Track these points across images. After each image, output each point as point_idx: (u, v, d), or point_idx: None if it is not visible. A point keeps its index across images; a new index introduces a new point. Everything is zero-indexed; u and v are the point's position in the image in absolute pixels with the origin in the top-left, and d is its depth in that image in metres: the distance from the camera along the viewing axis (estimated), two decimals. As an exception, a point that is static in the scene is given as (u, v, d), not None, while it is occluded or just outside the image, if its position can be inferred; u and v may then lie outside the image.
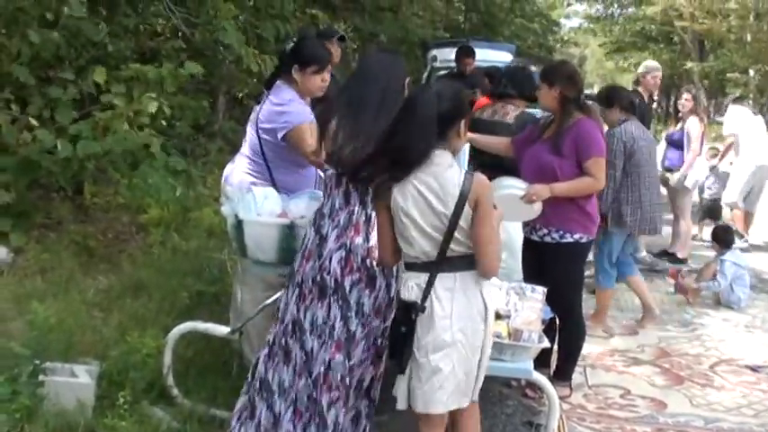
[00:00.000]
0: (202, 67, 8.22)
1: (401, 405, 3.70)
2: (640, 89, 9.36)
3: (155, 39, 10.22)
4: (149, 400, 4.49)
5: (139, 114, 7.01)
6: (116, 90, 7.11)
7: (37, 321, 4.75)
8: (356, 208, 3.67)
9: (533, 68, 12.41)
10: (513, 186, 4.97)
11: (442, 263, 3.59)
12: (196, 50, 10.14)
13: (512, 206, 4.73)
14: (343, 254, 3.64)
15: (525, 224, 5.28)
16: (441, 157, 3.59)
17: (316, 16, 12.83)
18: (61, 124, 6.85)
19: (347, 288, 3.63)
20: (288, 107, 4.89)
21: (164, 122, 8.01)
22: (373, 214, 3.64)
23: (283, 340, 3.78)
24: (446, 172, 3.57)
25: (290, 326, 3.76)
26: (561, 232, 5.23)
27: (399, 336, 3.63)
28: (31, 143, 6.66)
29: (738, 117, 11.02)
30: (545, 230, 5.25)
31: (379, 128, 3.62)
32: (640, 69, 9.88)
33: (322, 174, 5.15)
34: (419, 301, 3.57)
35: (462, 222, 3.55)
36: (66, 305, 5.51)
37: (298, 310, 3.73)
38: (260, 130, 4.97)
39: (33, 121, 6.83)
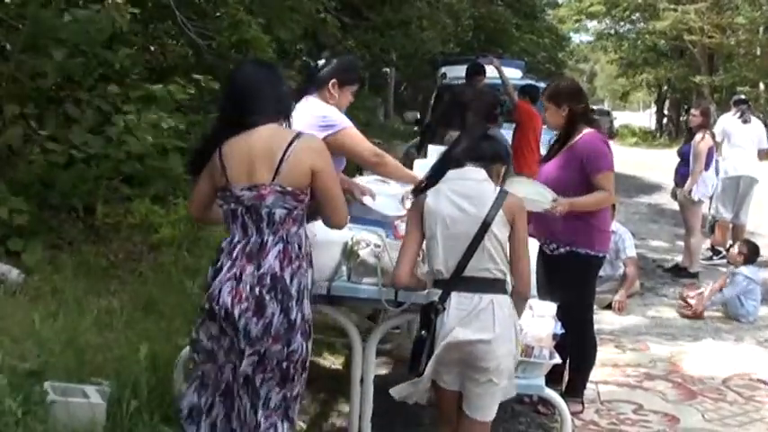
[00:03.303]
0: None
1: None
2: None
3: (165, 58, 10.27)
4: (160, 419, 4.49)
5: (154, 129, 7.09)
6: (127, 109, 7.17)
7: (49, 341, 4.76)
8: (253, 238, 3.60)
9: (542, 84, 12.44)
10: (541, 195, 5.04)
11: (459, 279, 3.64)
12: (206, 69, 10.19)
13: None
14: (234, 284, 3.55)
15: (540, 237, 5.30)
16: (476, 173, 3.73)
17: (325, 20, 12.90)
18: (74, 143, 6.90)
19: (236, 316, 3.54)
20: (331, 113, 4.99)
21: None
22: (270, 241, 3.55)
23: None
24: (481, 184, 3.71)
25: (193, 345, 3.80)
26: (568, 248, 5.28)
27: (419, 340, 3.71)
28: (43, 160, 6.71)
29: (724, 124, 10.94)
30: (554, 245, 5.30)
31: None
32: None
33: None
34: (436, 301, 3.64)
35: (497, 231, 3.61)
36: (78, 325, 5.51)
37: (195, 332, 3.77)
38: None
39: (45, 134, 6.88)
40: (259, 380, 3.61)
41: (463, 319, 3.60)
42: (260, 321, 3.51)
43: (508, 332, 3.66)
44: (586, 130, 5.34)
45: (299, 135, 3.61)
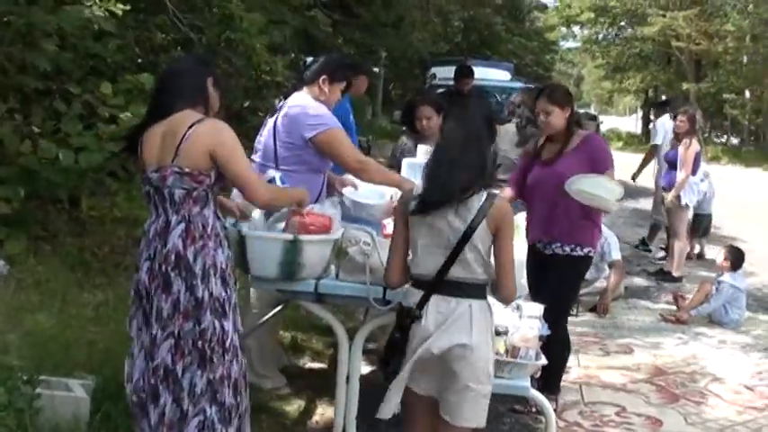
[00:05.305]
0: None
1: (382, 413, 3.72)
2: None
3: (154, 52, 10.22)
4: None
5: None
6: (115, 102, 7.12)
7: (33, 334, 4.73)
8: (161, 218, 3.70)
9: (531, 86, 12.49)
10: (610, 193, 5.16)
11: (439, 284, 3.60)
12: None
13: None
14: (149, 263, 3.68)
15: (538, 240, 5.36)
16: None
17: (315, 17, 12.87)
18: (62, 135, 6.86)
19: (152, 293, 3.67)
20: (320, 111, 5.06)
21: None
22: (173, 220, 3.66)
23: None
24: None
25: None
26: (573, 245, 5.36)
27: (392, 341, 3.67)
28: (31, 154, 6.67)
29: (666, 128, 11.07)
30: (557, 244, 5.37)
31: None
32: None
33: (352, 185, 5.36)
34: (414, 308, 3.61)
35: (478, 242, 3.55)
36: (62, 318, 5.49)
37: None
38: (278, 134, 5.05)
39: (36, 129, 6.85)
40: (180, 368, 3.68)
41: (441, 324, 3.56)
42: (168, 298, 3.64)
43: (485, 337, 3.62)
44: (585, 132, 5.50)
45: (201, 119, 3.67)
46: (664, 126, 11.17)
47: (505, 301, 3.75)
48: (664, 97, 13.15)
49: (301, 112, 5.03)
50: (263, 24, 9.78)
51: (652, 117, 11.21)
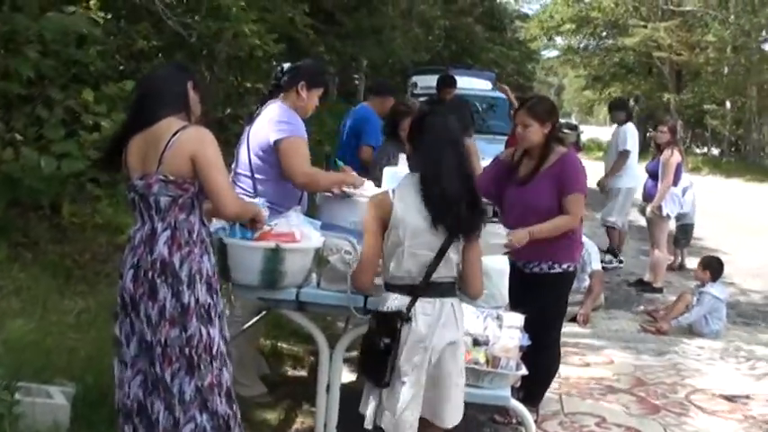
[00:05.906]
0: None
1: (369, 424, 3.73)
2: None
3: (135, 59, 10.19)
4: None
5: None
6: (99, 110, 7.10)
7: (13, 341, 4.70)
8: (146, 225, 3.71)
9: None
10: (495, 235, 4.82)
11: (426, 287, 3.64)
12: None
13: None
14: (133, 271, 3.69)
15: (517, 259, 5.20)
16: None
17: (293, 19, 12.87)
18: (44, 143, 6.83)
19: (137, 300, 3.68)
20: (289, 118, 5.04)
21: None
22: (159, 227, 3.66)
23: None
24: None
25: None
26: (551, 263, 5.23)
27: (383, 348, 3.64)
28: (13, 161, 6.63)
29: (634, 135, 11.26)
30: (535, 262, 5.25)
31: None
32: None
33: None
34: (404, 310, 3.63)
35: (460, 241, 3.66)
36: (43, 325, 5.46)
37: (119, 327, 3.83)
38: (251, 140, 5.06)
39: (18, 137, 6.82)
40: (169, 375, 3.69)
41: (433, 326, 3.63)
42: (155, 305, 3.65)
43: (462, 332, 3.80)
44: (563, 150, 5.30)
45: (185, 126, 3.69)
46: (633, 133, 11.20)
47: (475, 298, 3.87)
48: (632, 102, 13.22)
49: (270, 118, 5.05)
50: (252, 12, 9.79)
51: (612, 120, 11.34)
